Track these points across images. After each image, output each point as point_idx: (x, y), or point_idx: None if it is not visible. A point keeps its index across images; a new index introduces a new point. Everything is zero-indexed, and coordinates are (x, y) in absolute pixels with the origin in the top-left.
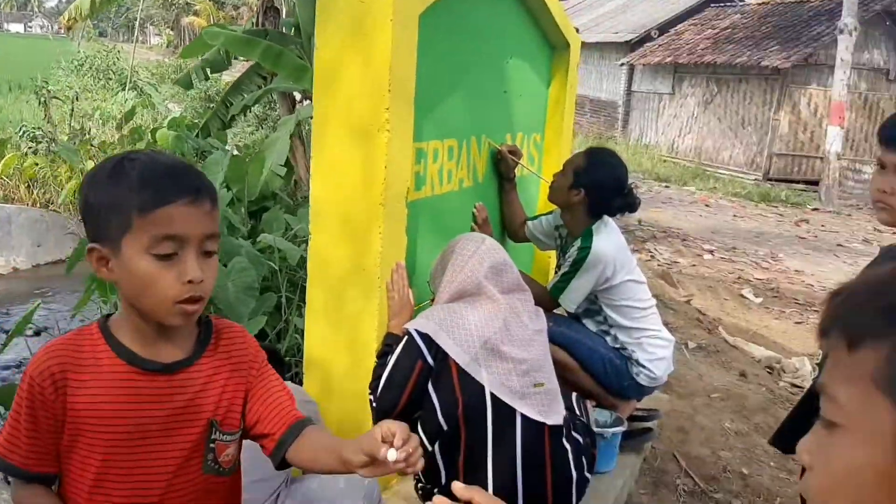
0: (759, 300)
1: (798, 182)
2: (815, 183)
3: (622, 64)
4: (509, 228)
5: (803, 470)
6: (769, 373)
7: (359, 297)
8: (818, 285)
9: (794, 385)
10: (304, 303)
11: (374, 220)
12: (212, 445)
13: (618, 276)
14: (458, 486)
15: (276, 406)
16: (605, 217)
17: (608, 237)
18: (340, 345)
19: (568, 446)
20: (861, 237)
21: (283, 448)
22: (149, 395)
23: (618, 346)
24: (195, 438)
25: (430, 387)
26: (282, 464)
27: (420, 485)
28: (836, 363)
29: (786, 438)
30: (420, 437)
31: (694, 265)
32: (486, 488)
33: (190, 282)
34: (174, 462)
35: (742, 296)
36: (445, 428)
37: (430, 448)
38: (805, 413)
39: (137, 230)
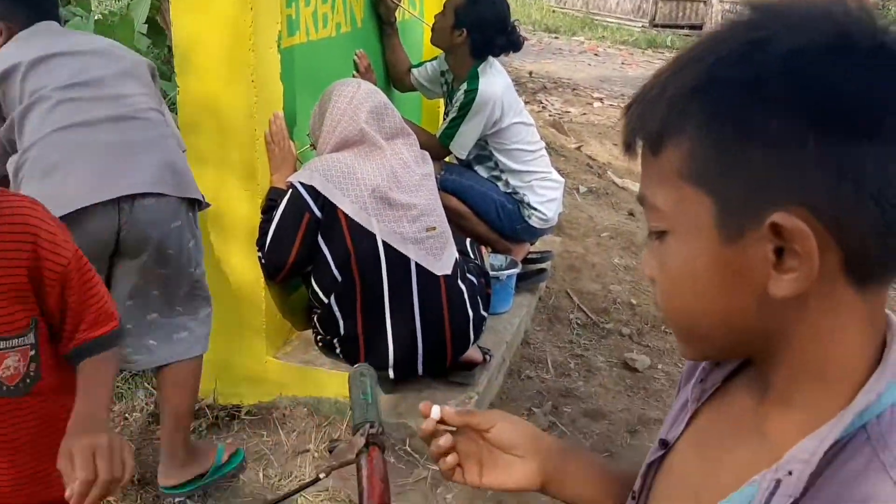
0: None
1: (683, 27)
2: (700, 27)
3: None
4: (394, 77)
5: None
6: None
7: (236, 149)
8: None
9: None
10: None
11: (243, 67)
12: None
13: (506, 117)
14: (448, 412)
15: (75, 309)
16: (490, 58)
17: (494, 78)
18: None
19: (463, 287)
20: None
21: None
22: None
23: (509, 190)
24: None
25: (320, 240)
26: None
27: (319, 337)
28: (646, 172)
29: None
30: (315, 291)
31: (584, 114)
32: (385, 336)
33: None
34: None
35: None
36: (340, 280)
37: (325, 301)
38: None
39: None
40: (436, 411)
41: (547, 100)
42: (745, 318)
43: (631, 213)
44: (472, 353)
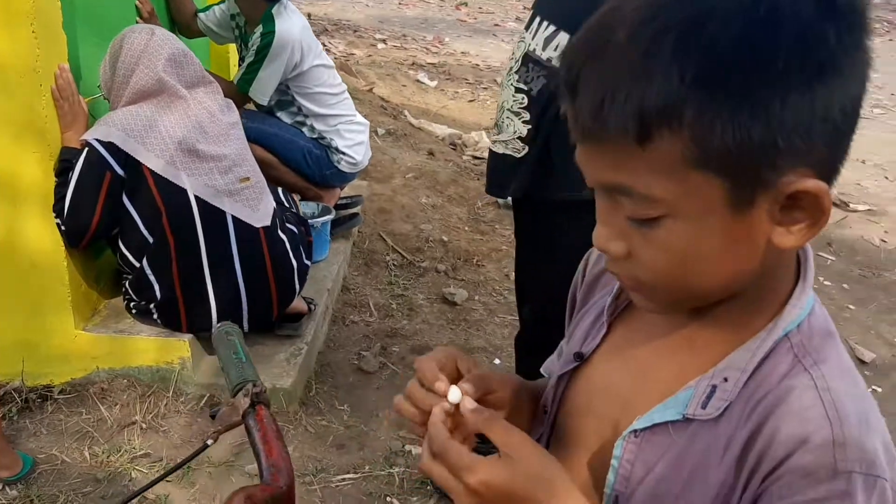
0: (434, 83)
1: None
2: None
3: None
4: (179, 22)
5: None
6: (453, 149)
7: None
8: (483, 64)
9: (475, 157)
10: None
11: (22, 17)
12: None
13: (307, 60)
14: (467, 406)
15: None
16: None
17: (291, 19)
18: None
19: (284, 237)
20: (514, 17)
21: None
22: None
23: (315, 135)
24: None
25: (125, 199)
26: None
27: (133, 303)
28: (628, 161)
29: (496, 186)
30: (125, 254)
31: (370, 55)
32: (206, 295)
33: None
34: None
35: (418, 80)
36: (151, 240)
37: (137, 264)
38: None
39: None
40: (455, 394)
41: (330, 42)
42: (746, 274)
43: (431, 153)
44: (297, 303)
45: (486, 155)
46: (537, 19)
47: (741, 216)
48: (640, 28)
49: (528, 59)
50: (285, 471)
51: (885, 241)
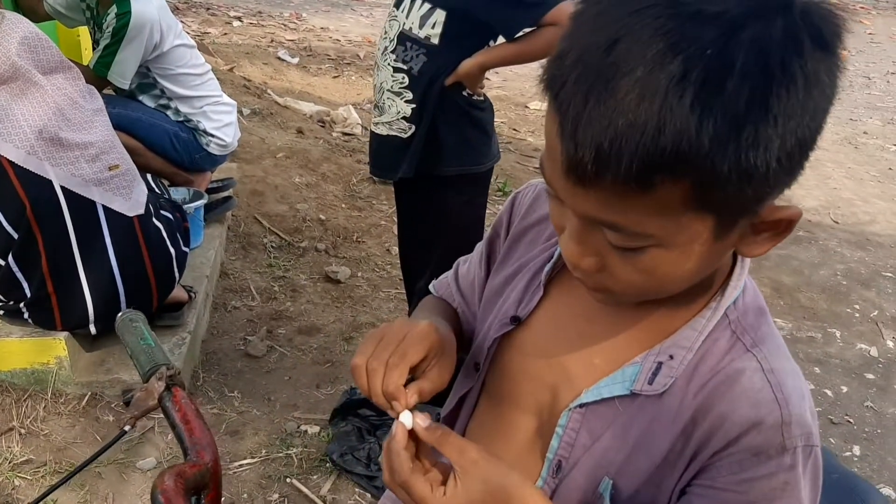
0: (296, 60)
1: None
2: None
3: None
4: (24, 6)
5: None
6: (322, 126)
7: None
8: (344, 39)
9: (345, 133)
10: None
11: None
12: None
13: (167, 40)
14: (421, 428)
15: None
16: None
17: None
18: None
19: (160, 225)
20: None
21: None
22: None
23: (181, 118)
24: None
25: None
26: None
27: (1, 304)
28: (627, 205)
29: (383, 168)
30: None
31: (226, 34)
32: (80, 290)
33: None
34: None
35: (279, 58)
36: (16, 236)
37: (2, 263)
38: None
39: None
40: (407, 418)
41: (183, 21)
42: (706, 275)
43: (300, 131)
44: (177, 292)
45: (356, 131)
46: None
47: (721, 241)
48: (655, 74)
49: (405, 38)
50: (209, 447)
51: None
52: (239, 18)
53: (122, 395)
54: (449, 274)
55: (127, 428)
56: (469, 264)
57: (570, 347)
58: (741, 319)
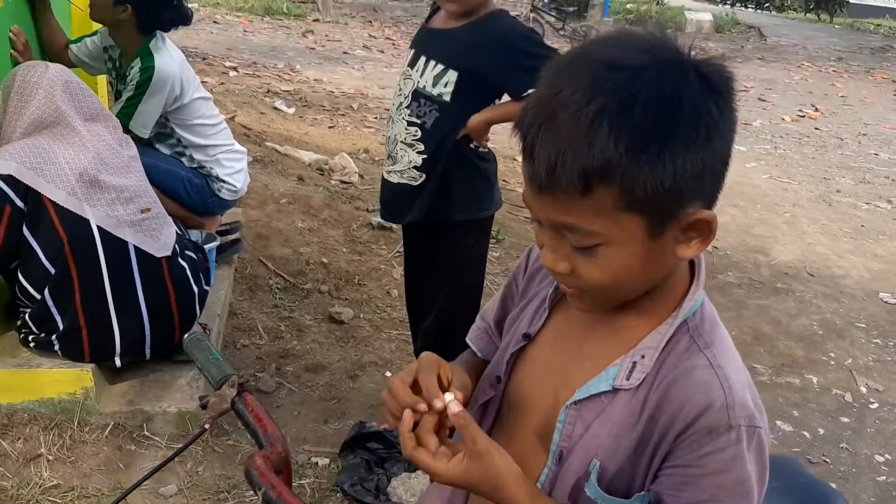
0: (292, 110)
1: None
2: None
3: None
4: (51, 54)
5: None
6: (321, 174)
7: None
8: (338, 91)
9: (343, 181)
10: None
11: None
12: None
13: (187, 93)
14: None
15: None
16: (160, 33)
17: (169, 54)
18: None
19: (184, 264)
20: (361, 44)
21: None
22: None
23: (195, 165)
24: None
25: (26, 232)
26: None
27: (32, 336)
28: (574, 207)
29: (393, 213)
30: (25, 287)
31: (223, 83)
32: (110, 324)
33: None
34: None
35: (276, 108)
36: (53, 272)
37: (38, 296)
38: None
39: None
40: (449, 398)
41: None
42: (657, 278)
43: (300, 178)
44: (194, 328)
45: (353, 179)
46: (423, 59)
47: (656, 241)
48: (583, 108)
49: (419, 95)
50: (281, 440)
51: (715, 248)
52: (234, 69)
53: (199, 400)
54: (476, 320)
55: (206, 426)
56: (491, 303)
57: (568, 357)
58: (699, 327)
